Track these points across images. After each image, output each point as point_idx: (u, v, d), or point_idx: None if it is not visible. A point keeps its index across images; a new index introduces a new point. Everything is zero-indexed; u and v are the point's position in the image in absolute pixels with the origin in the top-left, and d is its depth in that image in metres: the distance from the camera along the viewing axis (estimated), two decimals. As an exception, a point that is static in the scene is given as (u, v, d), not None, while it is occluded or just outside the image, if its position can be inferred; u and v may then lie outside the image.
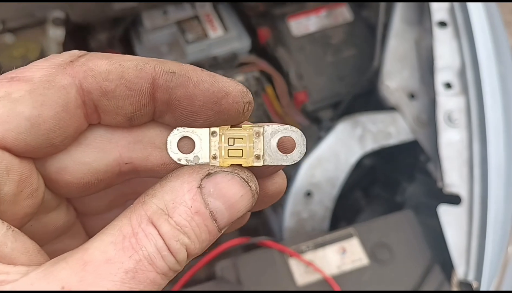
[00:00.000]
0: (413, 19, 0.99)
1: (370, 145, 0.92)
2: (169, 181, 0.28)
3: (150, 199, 0.27)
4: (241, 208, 0.29)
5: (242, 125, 0.30)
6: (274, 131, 0.29)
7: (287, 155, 0.30)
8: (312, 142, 1.09)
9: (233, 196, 0.28)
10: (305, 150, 0.30)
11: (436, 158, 0.86)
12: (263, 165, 0.29)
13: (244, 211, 0.29)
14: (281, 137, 0.30)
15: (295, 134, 0.30)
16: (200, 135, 0.29)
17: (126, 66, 0.28)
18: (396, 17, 0.99)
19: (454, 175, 0.83)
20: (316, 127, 1.14)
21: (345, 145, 0.92)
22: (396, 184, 1.02)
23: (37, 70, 0.27)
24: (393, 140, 0.93)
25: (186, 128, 0.29)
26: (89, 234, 0.35)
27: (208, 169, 0.29)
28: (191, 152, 0.29)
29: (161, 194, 0.27)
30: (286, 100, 1.17)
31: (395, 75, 0.96)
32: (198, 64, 1.15)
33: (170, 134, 0.29)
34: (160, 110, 0.29)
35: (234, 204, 0.29)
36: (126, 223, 0.26)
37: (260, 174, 0.31)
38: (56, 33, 0.97)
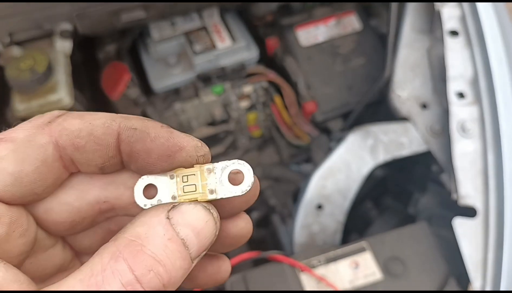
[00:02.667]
0: (423, 28, 0.97)
1: (382, 156, 0.91)
2: (138, 218, 0.31)
3: (122, 235, 0.29)
4: (207, 234, 0.31)
5: (195, 166, 0.33)
6: (224, 167, 0.32)
7: (238, 186, 0.32)
8: (323, 153, 1.08)
9: (199, 223, 0.31)
10: (253, 180, 0.32)
11: (449, 168, 0.84)
12: (216, 199, 0.32)
13: (210, 239, 0.32)
14: (231, 171, 0.32)
15: (243, 166, 0.32)
16: (161, 180, 0.33)
17: (95, 124, 0.32)
18: (406, 26, 0.98)
19: (468, 186, 0.81)
20: (326, 137, 1.12)
21: (356, 156, 0.91)
22: (408, 195, 1.00)
23: (21, 131, 0.31)
24: (405, 151, 0.91)
25: (149, 176, 0.33)
26: None
27: (172, 203, 0.32)
28: (155, 196, 0.33)
29: (132, 228, 0.30)
30: (295, 110, 1.16)
31: (407, 85, 0.95)
32: (206, 74, 1.14)
33: (136, 184, 0.33)
34: (125, 160, 0.33)
35: (201, 231, 0.31)
36: (97, 261, 0.28)
37: (221, 215, 0.33)
38: (64, 45, 0.96)
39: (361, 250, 0.84)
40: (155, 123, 0.32)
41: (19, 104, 0.91)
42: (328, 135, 1.13)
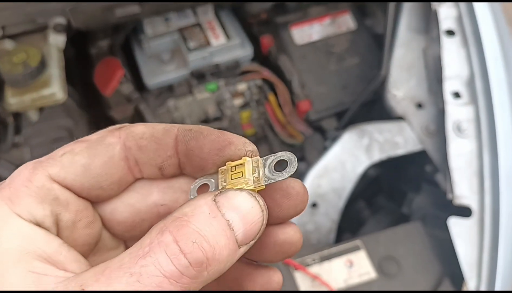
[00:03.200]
0: (419, 27, 0.97)
1: (377, 155, 0.91)
2: (187, 202, 0.32)
3: (169, 215, 0.31)
4: (253, 220, 0.32)
5: (243, 158, 0.35)
6: (269, 158, 0.34)
7: (282, 171, 0.33)
8: (317, 152, 1.07)
9: (244, 207, 0.32)
10: (297, 164, 0.33)
11: (445, 168, 0.84)
12: (261, 185, 0.33)
13: (257, 226, 0.32)
14: (277, 161, 0.34)
15: (288, 155, 0.33)
16: (212, 178, 0.35)
17: (157, 128, 0.36)
18: (402, 25, 0.98)
19: (464, 186, 0.81)
20: (320, 136, 1.12)
21: (351, 155, 0.91)
22: (401, 195, 1.00)
23: (95, 134, 0.36)
24: (400, 150, 0.91)
25: (202, 178, 0.36)
26: None
27: (219, 190, 0.33)
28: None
29: (179, 209, 0.31)
30: (289, 109, 1.16)
31: (402, 84, 0.95)
32: (200, 72, 1.13)
33: (192, 186, 0.36)
34: (182, 162, 0.36)
35: (246, 215, 0.31)
36: (146, 236, 0.30)
37: (269, 221, 0.34)
38: (57, 40, 0.95)
39: (356, 248, 0.84)
40: (209, 128, 0.35)
41: (11, 98, 0.89)
42: (322, 134, 1.12)
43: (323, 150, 0.98)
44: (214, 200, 0.31)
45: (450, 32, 0.90)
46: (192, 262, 0.29)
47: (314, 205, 0.89)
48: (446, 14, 0.90)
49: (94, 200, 0.36)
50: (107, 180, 0.36)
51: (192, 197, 0.35)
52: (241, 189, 0.32)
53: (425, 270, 0.83)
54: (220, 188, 0.34)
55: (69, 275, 0.30)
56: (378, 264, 0.83)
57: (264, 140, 1.21)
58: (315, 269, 0.82)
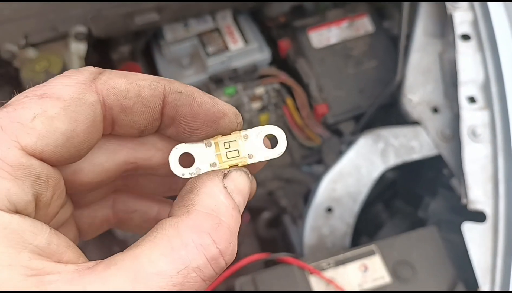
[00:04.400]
0: (436, 31, 0.97)
1: (393, 160, 0.91)
2: (200, 189, 0.31)
3: (193, 208, 0.30)
4: (247, 198, 0.33)
5: (232, 133, 0.35)
6: (258, 132, 0.34)
7: (273, 149, 0.34)
8: (334, 154, 1.08)
9: (245, 189, 0.33)
10: (287, 143, 0.34)
11: (460, 173, 0.84)
12: (254, 163, 0.34)
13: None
14: (265, 136, 0.34)
15: (276, 130, 0.34)
16: (197, 148, 0.34)
17: (142, 85, 0.31)
18: (418, 29, 0.98)
19: (478, 191, 0.81)
20: (337, 139, 1.13)
21: (366, 160, 0.91)
22: (418, 199, 1.00)
23: (64, 87, 0.30)
24: (416, 155, 0.91)
25: (183, 145, 0.34)
26: (79, 224, 0.39)
27: (222, 170, 0.33)
28: (192, 164, 0.34)
29: (200, 201, 0.30)
30: (306, 112, 1.17)
31: (418, 89, 0.95)
32: (218, 76, 1.15)
33: (171, 153, 0.34)
34: (165, 124, 0.34)
35: (246, 196, 0.33)
36: (174, 235, 0.28)
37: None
38: (78, 48, 0.98)
39: (370, 253, 0.84)
40: (197, 89, 0.33)
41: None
42: (340, 137, 1.13)
43: (341, 153, 0.98)
44: (225, 186, 0.31)
45: (465, 37, 0.90)
46: (228, 262, 0.29)
47: (329, 210, 0.90)
48: (462, 18, 0.90)
49: (63, 164, 0.32)
50: (88, 146, 0.31)
51: (174, 169, 0.33)
52: (240, 170, 0.33)
53: (439, 274, 0.83)
54: (209, 162, 0.33)
55: (70, 267, 0.27)
56: (393, 269, 0.83)
57: (283, 143, 1.22)
58: (330, 273, 0.82)
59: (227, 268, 0.31)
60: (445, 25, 0.96)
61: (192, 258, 0.28)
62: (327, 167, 0.99)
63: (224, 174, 0.32)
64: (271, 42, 1.22)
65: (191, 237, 0.28)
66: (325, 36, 1.20)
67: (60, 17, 0.94)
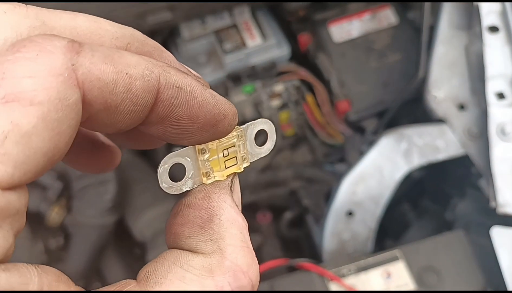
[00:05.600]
0: (461, 23, 0.92)
1: (417, 160, 0.87)
2: (221, 215, 0.27)
3: (223, 243, 0.26)
4: None
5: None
6: (251, 130, 0.30)
7: (263, 146, 0.31)
8: (357, 152, 1.04)
9: (240, 193, 0.30)
10: (276, 137, 0.31)
11: (488, 174, 0.80)
12: (247, 166, 0.31)
13: None
14: (256, 132, 0.31)
15: (268, 125, 0.31)
16: (187, 157, 0.28)
17: (133, 76, 0.23)
18: (443, 21, 0.92)
19: (508, 194, 0.77)
20: (360, 137, 1.09)
21: (389, 161, 0.87)
22: (446, 198, 0.96)
23: (36, 81, 0.21)
24: (441, 155, 0.87)
25: (171, 156, 0.28)
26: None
27: (226, 183, 0.29)
28: (183, 176, 0.28)
29: (227, 233, 0.27)
30: (327, 109, 1.13)
31: (443, 84, 0.90)
32: (236, 74, 1.12)
33: (160, 168, 0.27)
34: (149, 122, 0.26)
35: (240, 199, 0.30)
36: (207, 275, 0.25)
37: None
38: (92, 49, 0.96)
39: (394, 259, 0.81)
40: (196, 81, 0.26)
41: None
42: (362, 134, 1.09)
43: (362, 153, 0.95)
44: (237, 205, 0.28)
45: (493, 28, 0.84)
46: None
47: (350, 213, 0.86)
48: (489, 9, 0.85)
49: None
50: (61, 158, 0.24)
51: (164, 183, 0.28)
52: (236, 178, 0.30)
53: (466, 281, 0.79)
54: (204, 171, 0.29)
55: None
56: (417, 275, 0.80)
57: (304, 140, 1.19)
58: (351, 280, 0.79)
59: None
60: (471, 16, 0.90)
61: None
62: (350, 165, 0.96)
63: (230, 188, 0.29)
64: (291, 37, 1.18)
65: (228, 280, 0.25)
66: (346, 29, 1.16)
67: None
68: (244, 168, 0.30)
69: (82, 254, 1.10)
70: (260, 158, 0.31)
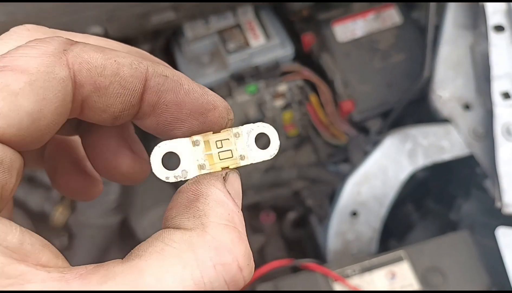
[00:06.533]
0: (466, 23, 0.92)
1: (422, 161, 0.86)
2: (208, 196, 0.27)
3: (207, 219, 0.26)
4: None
5: (222, 130, 0.31)
6: (249, 130, 0.31)
7: (265, 150, 0.31)
8: (361, 153, 1.04)
9: (240, 193, 0.30)
10: (279, 143, 0.32)
11: (493, 174, 0.79)
12: (246, 165, 0.31)
13: None
14: (257, 134, 0.31)
15: (268, 129, 0.31)
16: (182, 147, 0.29)
17: (122, 63, 0.27)
18: (448, 21, 0.92)
19: (514, 194, 0.76)
20: (364, 137, 1.09)
21: (393, 161, 0.87)
22: (450, 199, 0.95)
23: (29, 59, 0.25)
24: (446, 155, 0.86)
25: (166, 143, 0.29)
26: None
27: (219, 173, 0.29)
28: (177, 166, 0.29)
29: (211, 211, 0.27)
30: (331, 109, 1.13)
31: (448, 84, 0.90)
32: (240, 74, 1.11)
33: (153, 153, 0.29)
34: (143, 112, 0.29)
35: (240, 198, 0.30)
36: (187, 249, 0.25)
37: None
38: (95, 49, 0.96)
39: (399, 259, 0.80)
40: (184, 75, 0.29)
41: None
42: (367, 135, 1.08)
43: (366, 153, 0.94)
44: (229, 192, 0.28)
45: (499, 28, 0.84)
46: (246, 282, 0.27)
47: (354, 214, 0.86)
48: (495, 8, 0.84)
49: (21, 150, 0.27)
50: (54, 131, 0.26)
51: (157, 172, 0.29)
52: (235, 172, 0.30)
53: (472, 282, 0.78)
54: (196, 163, 0.29)
55: (54, 275, 0.23)
56: (422, 276, 0.79)
57: (308, 141, 1.19)
58: (355, 280, 0.79)
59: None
60: (476, 15, 0.90)
61: (208, 280, 0.24)
62: (354, 166, 0.95)
63: (223, 177, 0.29)
64: (295, 37, 1.17)
65: (209, 255, 0.25)
66: (350, 29, 1.15)
67: (75, 18, 0.92)
68: (242, 165, 0.31)
69: (86, 254, 1.10)
70: (263, 160, 0.31)
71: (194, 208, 0.27)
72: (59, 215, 1.05)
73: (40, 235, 0.25)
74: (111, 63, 0.27)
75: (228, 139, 0.30)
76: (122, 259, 0.25)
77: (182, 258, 0.24)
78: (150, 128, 0.30)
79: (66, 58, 0.26)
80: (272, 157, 0.31)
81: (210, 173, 0.29)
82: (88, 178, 0.38)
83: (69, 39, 0.27)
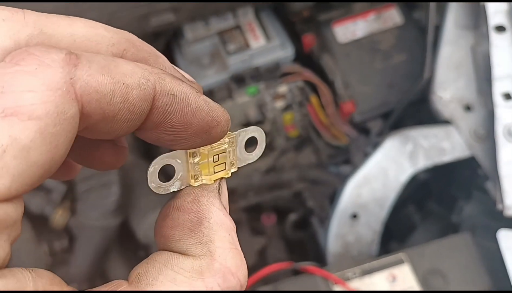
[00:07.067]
0: (468, 23, 0.91)
1: (422, 162, 0.86)
2: (210, 219, 0.28)
3: (213, 245, 0.27)
4: None
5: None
6: (243, 137, 0.31)
7: (252, 153, 0.32)
8: (362, 154, 1.03)
9: (227, 193, 0.30)
10: (265, 144, 0.32)
11: (495, 176, 0.79)
12: (235, 171, 0.31)
13: None
14: (247, 139, 0.31)
15: (259, 133, 0.32)
16: (178, 159, 0.29)
17: (130, 85, 0.24)
18: (449, 21, 0.91)
19: (515, 196, 0.76)
20: (365, 138, 1.08)
21: (394, 163, 0.86)
22: (452, 201, 0.95)
23: (33, 95, 0.21)
24: (447, 157, 0.86)
25: (163, 157, 0.28)
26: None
27: (214, 187, 0.30)
28: (172, 178, 0.29)
29: (216, 236, 0.27)
30: (331, 110, 1.12)
31: (449, 85, 0.89)
32: (240, 75, 1.11)
33: (150, 169, 0.28)
34: (145, 128, 0.27)
35: (227, 200, 0.30)
36: (197, 277, 0.26)
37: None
38: (94, 51, 0.95)
39: (399, 262, 0.80)
40: (191, 88, 0.27)
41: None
42: (368, 136, 1.08)
43: (366, 155, 0.94)
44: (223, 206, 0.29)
45: (500, 28, 0.83)
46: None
47: (354, 216, 0.85)
48: (496, 8, 0.84)
49: None
50: (58, 167, 0.24)
51: (153, 184, 0.29)
52: (224, 182, 0.31)
53: (473, 284, 0.78)
54: (192, 174, 0.29)
55: None
56: (423, 278, 0.79)
57: (309, 142, 1.18)
58: (355, 283, 0.78)
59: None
60: (478, 15, 0.89)
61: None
62: (355, 167, 0.95)
63: (218, 191, 0.30)
64: (295, 38, 1.17)
65: (217, 282, 0.26)
66: (350, 29, 1.15)
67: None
68: (231, 173, 0.31)
69: (87, 256, 1.09)
70: (248, 163, 0.32)
71: (199, 232, 0.27)
72: (59, 217, 1.04)
73: (40, 237, 0.25)
74: (120, 87, 0.24)
75: (224, 152, 0.30)
76: (128, 281, 0.26)
77: (193, 286, 0.25)
78: (149, 140, 0.28)
79: (74, 90, 0.22)
80: (257, 158, 0.32)
81: (204, 186, 0.30)
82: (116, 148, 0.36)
83: (69, 53, 0.23)
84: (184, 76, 0.31)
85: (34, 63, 0.22)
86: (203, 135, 0.28)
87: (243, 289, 0.27)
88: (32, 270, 0.23)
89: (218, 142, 0.30)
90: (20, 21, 0.25)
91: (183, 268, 0.26)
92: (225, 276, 0.26)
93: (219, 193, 0.29)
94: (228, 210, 0.30)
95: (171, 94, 0.26)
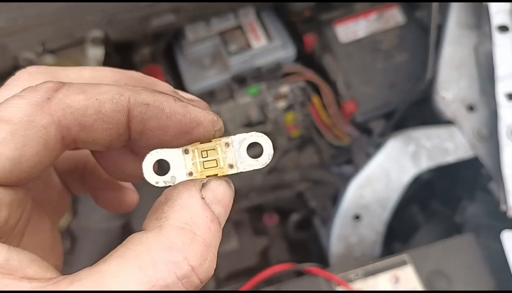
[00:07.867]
0: (470, 23, 0.91)
1: (425, 163, 0.85)
2: (175, 200, 0.29)
3: (166, 222, 0.28)
4: (230, 207, 0.32)
5: (212, 140, 0.32)
6: (241, 140, 0.32)
7: (257, 159, 0.32)
8: (363, 155, 1.03)
9: (226, 199, 0.31)
10: (272, 152, 0.32)
11: (498, 176, 0.78)
12: (235, 173, 0.32)
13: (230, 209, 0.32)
14: (249, 144, 0.32)
15: (261, 138, 0.32)
16: (173, 155, 0.31)
17: (103, 100, 0.30)
18: (452, 21, 0.91)
19: (519, 197, 0.75)
20: (367, 138, 1.08)
21: (396, 164, 0.86)
22: (455, 201, 0.94)
23: (15, 110, 0.28)
24: (450, 158, 0.85)
25: (158, 150, 0.31)
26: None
27: (200, 180, 0.31)
28: (167, 172, 0.31)
29: (174, 214, 0.29)
30: (333, 110, 1.12)
31: (452, 85, 0.89)
32: (241, 76, 1.11)
33: (144, 160, 0.31)
34: (134, 138, 0.32)
35: (228, 206, 0.31)
36: (144, 251, 0.27)
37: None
38: (96, 52, 0.95)
39: (402, 263, 0.79)
40: (168, 97, 0.31)
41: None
42: (369, 136, 1.08)
43: (368, 155, 0.93)
44: (202, 197, 0.30)
45: (503, 28, 0.83)
46: (203, 281, 0.28)
47: (357, 217, 0.85)
48: (499, 8, 0.83)
49: (16, 186, 0.30)
50: (40, 169, 0.30)
51: (148, 177, 0.31)
52: (220, 179, 0.31)
53: (477, 285, 0.77)
54: (186, 171, 0.31)
55: (35, 284, 0.26)
56: (426, 280, 0.78)
57: (311, 142, 1.18)
58: (358, 285, 0.78)
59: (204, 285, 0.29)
60: (480, 15, 0.89)
61: (160, 277, 0.26)
62: (357, 167, 0.95)
63: (203, 183, 0.30)
64: (297, 38, 1.17)
65: (161, 255, 0.27)
66: (352, 29, 1.14)
67: (76, 23, 0.92)
68: (230, 174, 0.32)
69: (88, 258, 1.09)
70: (254, 169, 0.32)
71: (159, 210, 0.29)
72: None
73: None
74: (93, 102, 0.29)
75: (214, 149, 0.32)
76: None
77: (139, 259, 0.27)
78: (144, 148, 0.32)
79: (48, 107, 0.29)
80: (264, 166, 0.32)
81: (193, 179, 0.31)
82: (121, 190, 0.43)
83: (58, 82, 0.30)
84: (183, 96, 0.35)
85: (28, 91, 0.29)
86: (185, 136, 0.31)
87: (193, 268, 0.27)
88: (10, 246, 0.27)
89: (209, 142, 0.32)
90: (40, 72, 0.33)
91: (132, 242, 0.27)
92: (170, 250, 0.27)
93: (203, 186, 0.30)
94: (218, 208, 0.30)
95: (144, 104, 0.30)
